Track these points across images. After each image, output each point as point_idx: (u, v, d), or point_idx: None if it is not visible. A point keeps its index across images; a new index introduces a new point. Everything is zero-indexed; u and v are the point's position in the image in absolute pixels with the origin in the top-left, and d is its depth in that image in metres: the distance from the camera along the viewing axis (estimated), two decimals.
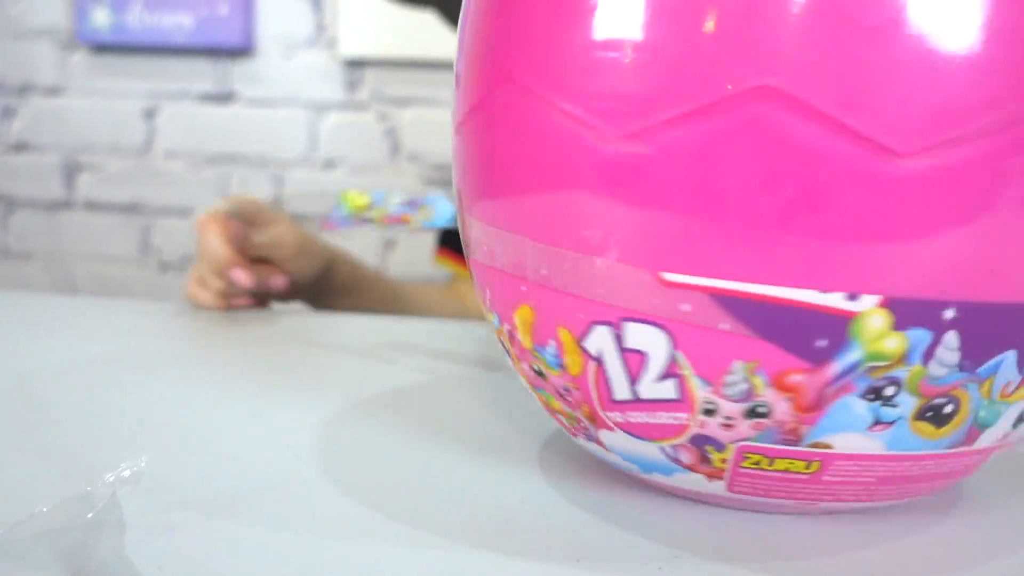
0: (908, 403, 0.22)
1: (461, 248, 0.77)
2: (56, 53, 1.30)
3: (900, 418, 0.23)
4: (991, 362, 0.22)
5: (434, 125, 1.25)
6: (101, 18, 1.25)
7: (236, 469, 0.30)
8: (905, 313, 0.21)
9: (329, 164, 1.29)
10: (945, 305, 0.21)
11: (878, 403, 0.22)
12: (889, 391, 0.22)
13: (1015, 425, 0.24)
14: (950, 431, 0.23)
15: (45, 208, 1.36)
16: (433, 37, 1.21)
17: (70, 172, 1.34)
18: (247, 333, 0.50)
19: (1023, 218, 0.21)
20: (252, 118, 1.29)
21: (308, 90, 1.27)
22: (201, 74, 1.29)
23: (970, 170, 0.20)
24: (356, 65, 1.26)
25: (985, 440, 0.24)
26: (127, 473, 0.27)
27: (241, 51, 1.26)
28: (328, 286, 0.65)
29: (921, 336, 0.21)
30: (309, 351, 0.46)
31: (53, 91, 1.32)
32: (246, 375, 0.41)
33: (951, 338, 0.22)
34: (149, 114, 1.31)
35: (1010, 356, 0.22)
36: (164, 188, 1.32)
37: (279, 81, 1.27)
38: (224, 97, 1.29)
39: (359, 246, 1.29)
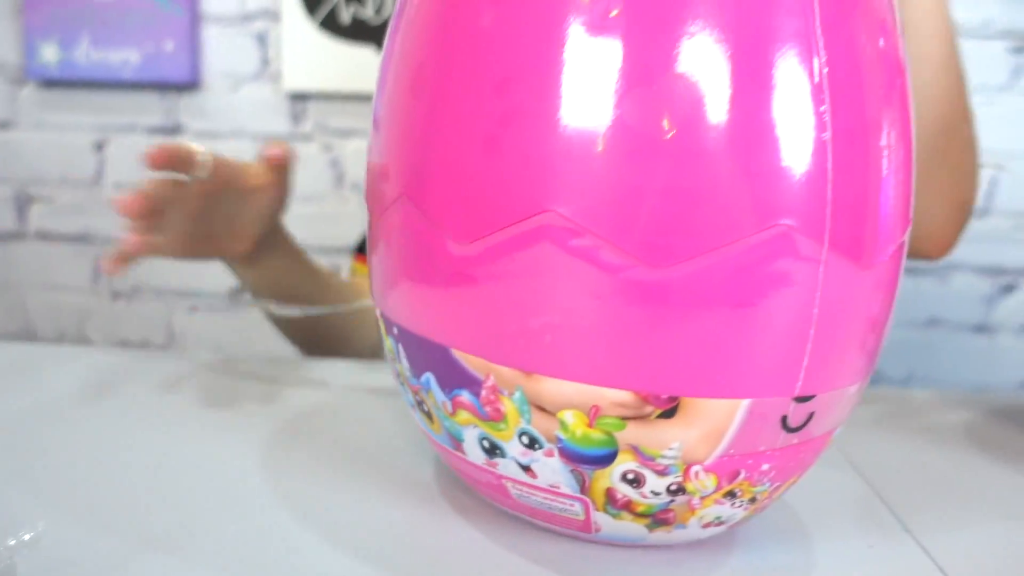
0: None
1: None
2: (5, 88, 1.32)
3: None
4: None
5: None
6: (49, 54, 1.28)
7: (157, 504, 0.33)
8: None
9: None
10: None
11: None
12: None
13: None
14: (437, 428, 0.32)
15: None
16: (373, 71, 1.25)
17: (21, 204, 1.36)
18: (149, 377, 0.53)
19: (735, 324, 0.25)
20: None
21: (254, 122, 1.30)
22: (149, 108, 1.31)
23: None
24: (300, 98, 1.29)
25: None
26: (27, 537, 0.30)
27: (188, 85, 1.29)
28: (270, 243, 0.62)
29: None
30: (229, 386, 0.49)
31: (3, 125, 1.34)
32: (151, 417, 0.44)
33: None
34: (99, 146, 1.33)
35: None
36: (114, 218, 1.34)
37: (225, 114, 1.30)
38: (172, 130, 1.32)
39: None
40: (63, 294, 1.38)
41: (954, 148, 0.59)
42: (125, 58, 1.27)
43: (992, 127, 1.23)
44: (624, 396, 0.26)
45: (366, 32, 1.24)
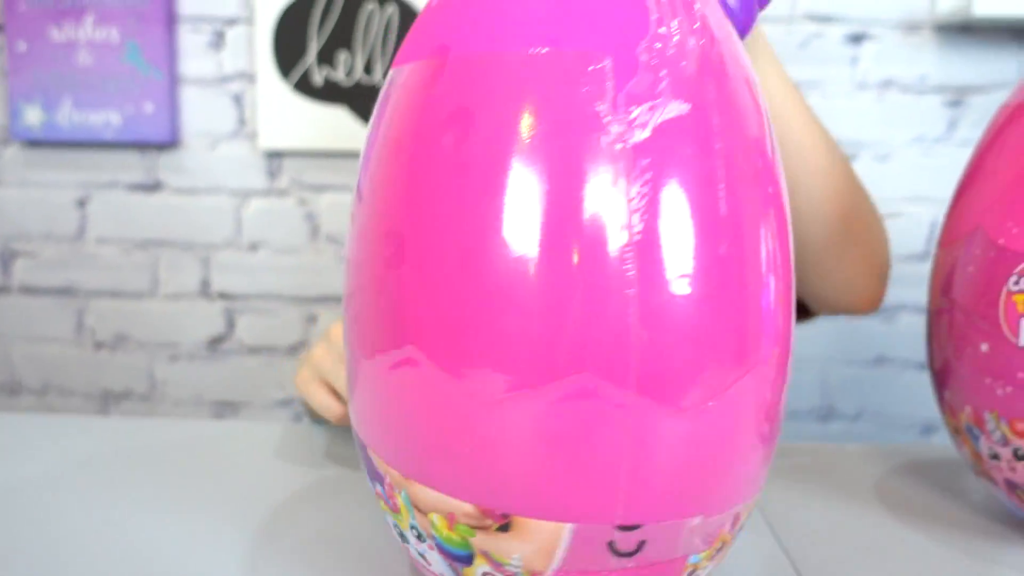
0: None
1: None
2: None
3: None
4: None
5: (349, 208, 1.34)
6: (33, 116, 1.32)
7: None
8: None
9: (253, 246, 1.37)
10: None
11: None
12: None
13: None
14: None
15: None
16: (345, 129, 1.30)
17: (5, 259, 1.40)
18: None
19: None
20: (179, 205, 1.37)
21: (231, 179, 1.35)
22: (130, 166, 1.36)
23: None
24: (275, 156, 1.34)
25: None
26: None
27: (168, 144, 1.34)
28: None
29: None
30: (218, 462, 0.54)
31: None
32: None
33: None
34: (81, 203, 1.38)
35: None
36: (97, 272, 1.39)
37: (204, 171, 1.35)
38: (152, 187, 1.36)
39: (278, 323, 1.36)
40: (47, 345, 1.42)
41: (858, 227, 0.64)
42: (107, 119, 1.31)
43: (931, 176, 1.30)
44: (468, 508, 0.31)
45: (338, 93, 1.30)
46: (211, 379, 1.40)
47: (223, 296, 1.39)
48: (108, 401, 1.43)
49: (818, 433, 1.37)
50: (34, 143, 1.36)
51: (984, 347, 0.45)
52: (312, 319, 1.37)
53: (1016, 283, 0.43)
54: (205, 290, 1.39)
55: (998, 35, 1.27)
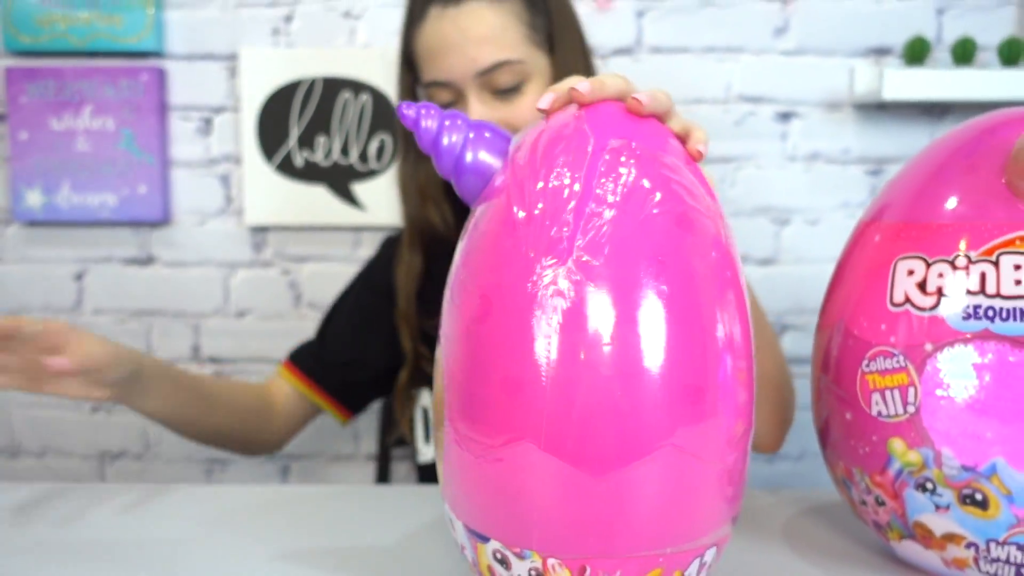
0: None
1: (311, 367, 0.99)
2: None
3: None
4: None
5: (329, 277, 1.44)
6: (34, 199, 1.41)
7: None
8: None
9: (240, 314, 1.46)
10: None
11: None
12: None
13: None
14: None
15: None
16: (324, 206, 1.41)
17: None
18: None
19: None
20: (171, 277, 1.46)
21: (219, 252, 1.45)
22: (124, 242, 1.45)
23: None
24: (260, 230, 1.44)
25: None
26: None
27: (160, 222, 1.44)
28: (139, 386, 0.80)
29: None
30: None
31: None
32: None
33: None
34: (78, 277, 1.46)
35: None
36: None
37: (194, 245, 1.45)
38: (145, 261, 1.46)
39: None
40: (46, 410, 1.49)
41: (767, 389, 0.74)
42: (103, 200, 1.41)
43: None
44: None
45: (317, 173, 1.40)
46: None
47: (213, 360, 1.47)
48: (104, 461, 1.50)
49: (767, 472, 1.47)
50: (35, 223, 1.45)
51: (848, 415, 0.56)
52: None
53: (867, 365, 0.54)
54: (196, 354, 1.47)
55: (909, 111, 1.40)
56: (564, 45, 0.92)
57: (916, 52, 1.29)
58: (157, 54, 1.41)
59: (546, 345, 0.41)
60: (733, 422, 0.44)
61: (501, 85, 0.87)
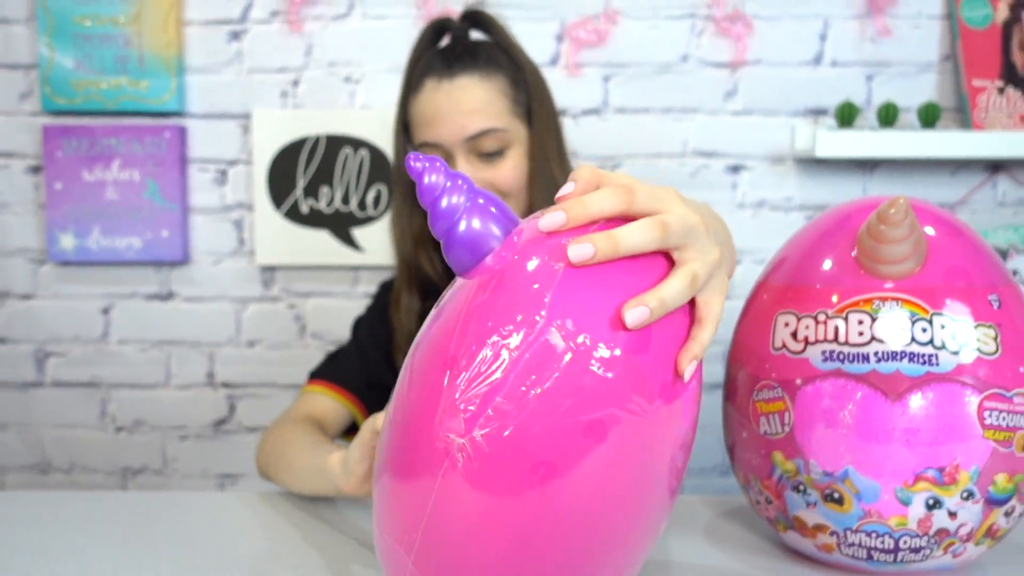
0: None
1: (347, 381, 1.04)
2: (29, 267, 1.60)
3: None
4: None
5: (330, 311, 1.58)
6: (67, 242, 1.56)
7: None
8: None
9: (251, 344, 1.60)
10: None
11: None
12: None
13: None
14: None
15: (19, 387, 1.63)
16: (326, 248, 1.56)
17: (40, 359, 1.62)
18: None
19: None
20: (188, 311, 1.60)
21: (232, 289, 1.59)
22: (147, 279, 1.60)
23: None
24: (269, 270, 1.59)
25: None
26: None
27: (179, 262, 1.58)
28: None
29: None
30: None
31: (26, 296, 1.60)
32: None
33: None
34: (105, 311, 1.61)
35: None
36: (118, 367, 1.61)
37: (210, 283, 1.59)
38: (166, 296, 1.60)
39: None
40: (74, 430, 1.63)
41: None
42: (129, 243, 1.55)
43: None
44: None
45: (320, 219, 1.56)
46: (215, 455, 1.62)
47: (225, 385, 1.61)
48: (126, 476, 1.64)
49: (721, 485, 1.61)
50: (67, 263, 1.59)
51: (744, 434, 0.71)
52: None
53: (756, 395, 0.69)
54: (210, 380, 1.61)
55: (844, 165, 1.56)
56: (540, 116, 1.03)
57: (845, 116, 1.45)
58: (179, 114, 1.56)
59: (425, 500, 0.44)
60: None
61: (486, 149, 0.99)
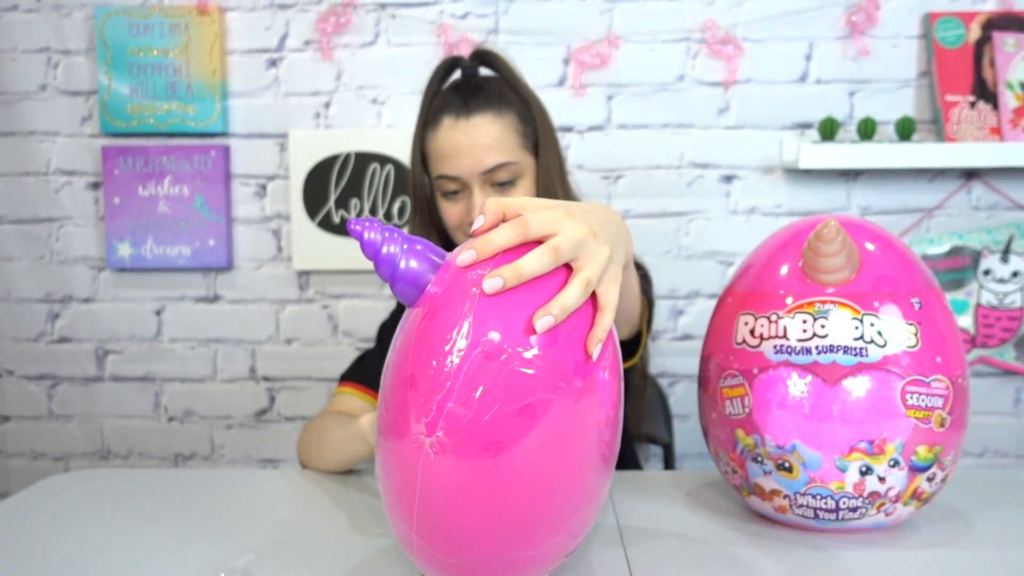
0: None
1: (360, 379, 1.14)
2: (90, 274, 1.74)
3: None
4: None
5: (360, 311, 1.71)
6: (124, 251, 1.69)
7: None
8: None
9: (289, 341, 1.73)
10: None
11: None
12: None
13: None
14: None
15: (81, 382, 1.77)
16: (356, 254, 1.68)
17: (100, 356, 1.76)
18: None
19: None
20: (232, 312, 1.73)
21: (272, 292, 1.73)
22: (195, 284, 1.73)
23: None
24: (305, 274, 1.72)
25: None
26: (241, 562, 0.71)
27: (224, 268, 1.72)
28: None
29: None
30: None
31: (88, 300, 1.74)
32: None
33: None
34: (158, 313, 1.74)
35: None
36: (170, 363, 1.75)
37: (251, 287, 1.73)
38: (212, 299, 1.73)
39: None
40: (131, 420, 1.77)
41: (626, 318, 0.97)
42: (180, 252, 1.69)
43: None
44: None
45: None
46: (258, 442, 1.76)
47: (266, 379, 1.75)
48: (178, 461, 1.77)
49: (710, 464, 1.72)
50: (124, 269, 1.73)
51: (713, 415, 0.83)
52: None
53: (722, 382, 0.81)
54: (252, 375, 1.75)
55: (828, 174, 1.67)
56: (546, 149, 1.11)
57: (827, 130, 1.56)
58: (223, 134, 1.69)
59: (413, 485, 0.55)
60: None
61: (500, 180, 1.06)
